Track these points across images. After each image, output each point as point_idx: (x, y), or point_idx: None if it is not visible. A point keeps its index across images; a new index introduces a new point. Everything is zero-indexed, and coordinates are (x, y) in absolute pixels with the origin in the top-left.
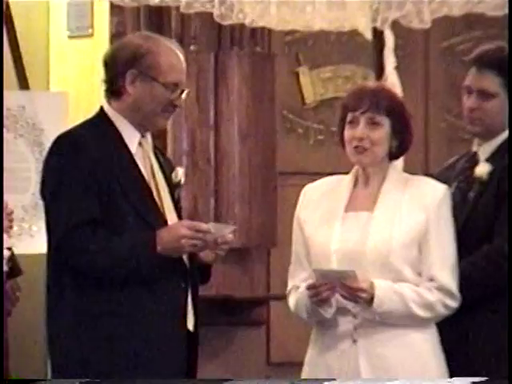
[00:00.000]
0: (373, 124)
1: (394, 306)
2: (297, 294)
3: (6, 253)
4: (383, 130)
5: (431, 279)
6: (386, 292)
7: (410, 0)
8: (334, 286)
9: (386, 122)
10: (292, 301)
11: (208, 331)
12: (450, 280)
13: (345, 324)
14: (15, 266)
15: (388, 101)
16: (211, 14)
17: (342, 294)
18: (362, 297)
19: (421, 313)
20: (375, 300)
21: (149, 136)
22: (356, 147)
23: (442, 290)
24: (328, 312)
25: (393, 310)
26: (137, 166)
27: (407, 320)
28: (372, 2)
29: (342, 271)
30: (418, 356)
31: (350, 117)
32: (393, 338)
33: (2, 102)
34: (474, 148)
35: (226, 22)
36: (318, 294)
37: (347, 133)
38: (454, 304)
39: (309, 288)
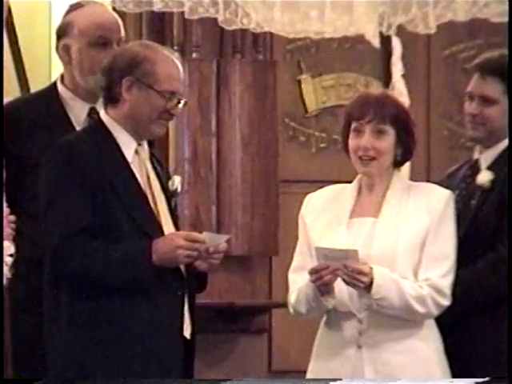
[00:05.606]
0: (378, 133)
1: (391, 295)
2: (299, 289)
3: (8, 259)
4: (389, 140)
5: (424, 276)
6: (384, 279)
7: (416, 4)
8: (336, 269)
9: (391, 131)
10: (293, 297)
11: (209, 339)
12: (440, 279)
13: (350, 329)
14: None
15: (393, 109)
16: (213, 22)
17: (344, 279)
18: (362, 280)
19: (415, 305)
20: (374, 285)
21: (145, 144)
22: (361, 157)
23: (432, 286)
24: (329, 302)
25: (390, 298)
26: (133, 174)
27: (402, 312)
28: (378, 6)
29: (343, 250)
30: (422, 362)
31: (354, 126)
32: (397, 343)
33: (2, 106)
34: (476, 155)
35: (230, 27)
36: (321, 277)
37: (352, 142)
38: (444, 302)
39: (311, 272)
